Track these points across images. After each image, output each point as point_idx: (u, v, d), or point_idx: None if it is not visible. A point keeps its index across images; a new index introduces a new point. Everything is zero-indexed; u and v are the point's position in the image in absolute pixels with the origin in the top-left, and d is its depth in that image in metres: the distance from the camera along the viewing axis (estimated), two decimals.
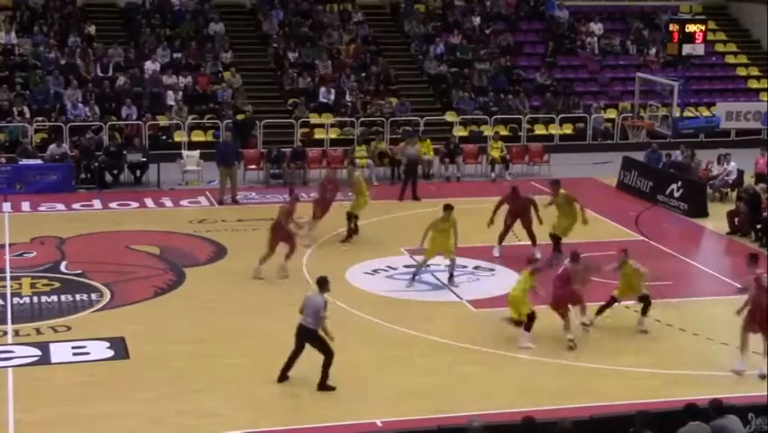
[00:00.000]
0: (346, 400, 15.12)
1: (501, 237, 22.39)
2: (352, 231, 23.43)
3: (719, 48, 40.53)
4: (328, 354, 15.35)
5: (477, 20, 39.08)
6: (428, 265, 20.64)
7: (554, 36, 39.46)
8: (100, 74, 34.16)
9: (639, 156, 30.04)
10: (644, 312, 18.27)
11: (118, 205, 26.88)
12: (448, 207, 20.41)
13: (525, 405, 14.57)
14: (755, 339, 16.39)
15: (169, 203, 27.22)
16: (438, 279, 20.92)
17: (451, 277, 20.60)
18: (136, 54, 35.08)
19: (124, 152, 29.20)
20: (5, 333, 17.64)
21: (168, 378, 15.91)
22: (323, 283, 15.63)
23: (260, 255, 20.63)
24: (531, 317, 17.26)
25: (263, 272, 20.65)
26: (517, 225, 22.34)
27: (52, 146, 29.27)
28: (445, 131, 33.79)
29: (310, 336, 15.40)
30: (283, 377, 15.65)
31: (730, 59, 40.39)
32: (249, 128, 32.74)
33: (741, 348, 16.34)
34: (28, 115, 31.67)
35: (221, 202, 27.10)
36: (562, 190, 22.30)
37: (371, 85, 35.62)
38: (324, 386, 15.43)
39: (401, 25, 39.02)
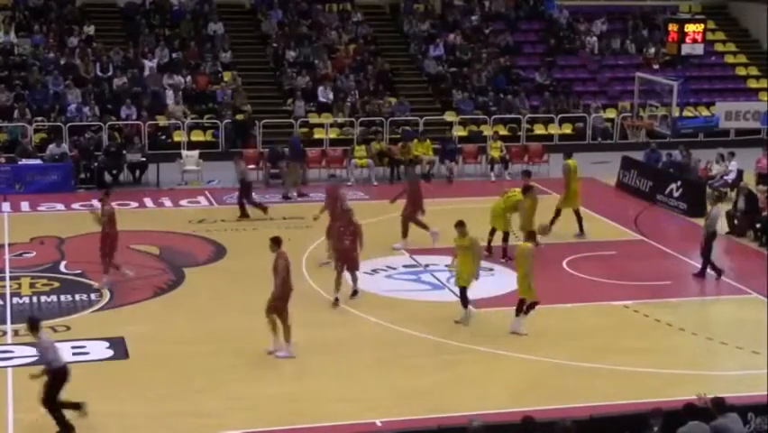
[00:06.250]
0: (346, 401, 15.11)
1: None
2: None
3: (719, 47, 40.52)
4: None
5: (476, 19, 39.05)
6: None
7: (554, 36, 39.44)
8: (99, 74, 34.15)
9: (639, 156, 30.05)
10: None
11: (117, 205, 26.70)
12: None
13: (525, 405, 14.56)
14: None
15: (168, 203, 27.21)
16: (438, 279, 20.94)
17: None
18: (135, 54, 35.06)
19: (124, 152, 29.19)
20: (5, 333, 17.66)
21: (167, 378, 15.91)
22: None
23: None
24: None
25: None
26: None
27: (51, 146, 29.27)
28: (445, 131, 33.77)
29: None
30: None
31: (729, 59, 40.38)
32: (248, 128, 32.72)
33: (274, 331, 16.57)
34: (28, 116, 31.67)
35: (286, 196, 27.04)
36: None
37: (371, 84, 35.61)
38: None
39: (400, 25, 39.01)
